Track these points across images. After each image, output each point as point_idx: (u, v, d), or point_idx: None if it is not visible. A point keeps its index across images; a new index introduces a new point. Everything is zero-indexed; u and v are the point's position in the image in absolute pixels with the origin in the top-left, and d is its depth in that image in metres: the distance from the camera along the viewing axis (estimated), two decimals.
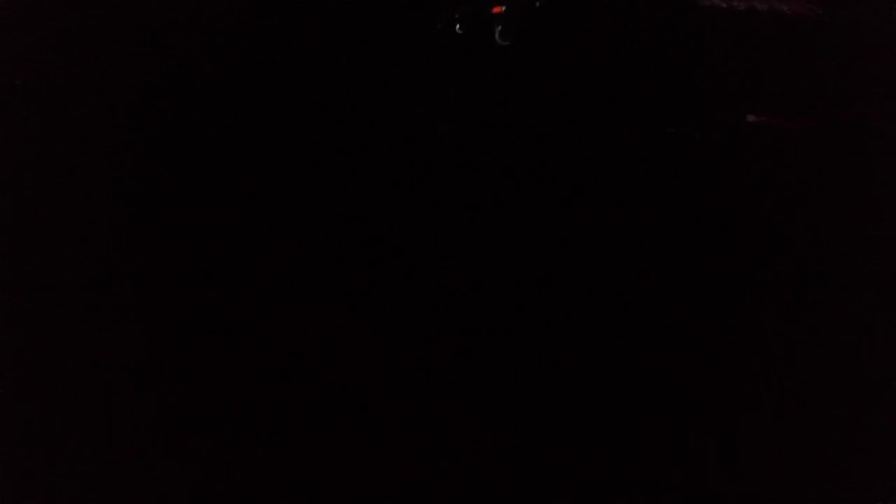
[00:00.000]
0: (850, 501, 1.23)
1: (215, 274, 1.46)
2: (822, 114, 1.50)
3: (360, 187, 1.53)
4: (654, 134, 1.53)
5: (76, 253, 1.47)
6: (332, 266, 1.48)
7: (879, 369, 1.32)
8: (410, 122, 1.59)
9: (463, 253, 1.47)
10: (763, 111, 1.52)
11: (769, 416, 1.31)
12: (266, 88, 1.63)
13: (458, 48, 1.58)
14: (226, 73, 1.63)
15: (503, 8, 1.52)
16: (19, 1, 1.60)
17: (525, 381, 1.36)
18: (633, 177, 1.52)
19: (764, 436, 1.29)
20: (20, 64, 1.56)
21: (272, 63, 1.65)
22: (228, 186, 1.53)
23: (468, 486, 1.25)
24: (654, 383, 1.34)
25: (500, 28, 1.52)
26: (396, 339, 1.40)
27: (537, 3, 1.49)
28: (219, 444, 1.30)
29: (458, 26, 1.52)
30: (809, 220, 1.44)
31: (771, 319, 1.39)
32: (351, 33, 1.64)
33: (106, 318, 1.42)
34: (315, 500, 1.25)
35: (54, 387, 1.35)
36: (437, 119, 1.55)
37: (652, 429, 1.30)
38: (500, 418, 1.32)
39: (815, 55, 1.49)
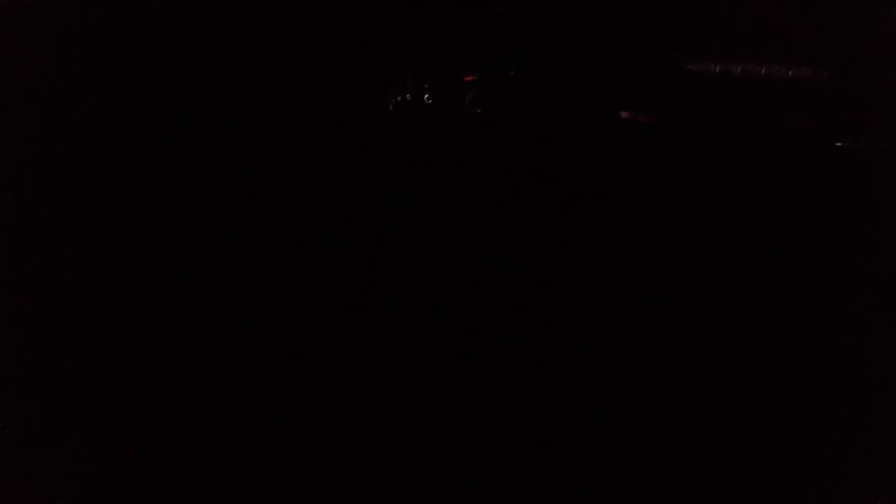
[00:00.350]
0: (850, 501, 1.23)
1: (215, 274, 1.46)
2: (820, 114, 1.50)
3: (360, 187, 1.53)
4: (653, 134, 1.53)
5: (76, 253, 1.47)
6: (332, 266, 1.48)
7: (879, 369, 1.32)
8: (411, 121, 1.59)
9: (463, 253, 1.48)
10: (762, 111, 1.52)
11: (769, 416, 1.31)
12: (266, 88, 1.63)
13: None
14: (226, 73, 1.63)
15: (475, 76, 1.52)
16: (20, 1, 1.60)
17: (525, 382, 1.36)
18: (633, 177, 1.52)
19: (764, 436, 1.29)
20: (20, 64, 1.56)
21: (272, 63, 1.65)
22: (228, 186, 1.53)
23: (468, 486, 1.25)
24: (654, 383, 1.34)
25: (471, 96, 1.52)
26: (396, 339, 1.40)
27: (512, 72, 1.48)
28: (219, 444, 1.30)
29: (426, 95, 1.52)
30: (809, 220, 1.44)
31: (771, 319, 1.39)
32: (351, 33, 1.64)
33: (106, 318, 1.42)
34: (315, 500, 1.25)
35: (54, 387, 1.35)
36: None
37: (652, 429, 1.30)
38: (500, 418, 1.32)
39: (814, 55, 1.49)
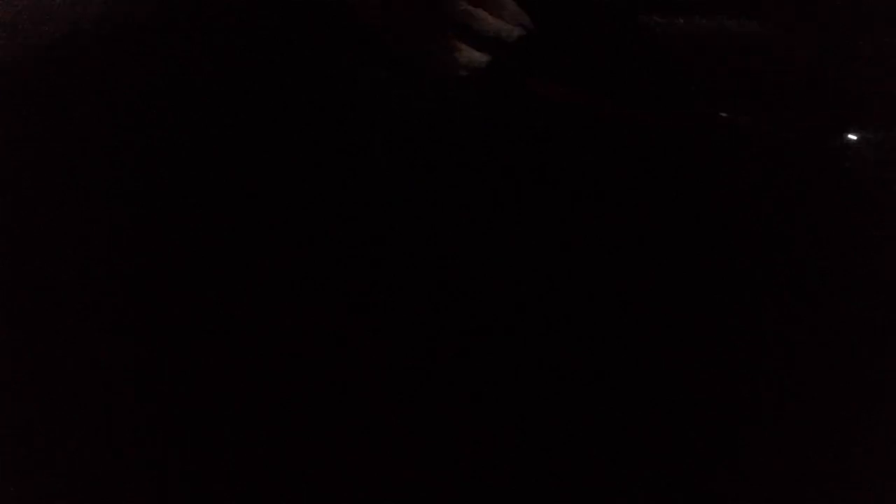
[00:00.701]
0: (850, 501, 1.23)
1: (215, 274, 1.46)
2: (822, 114, 1.50)
3: (360, 187, 1.53)
4: (653, 134, 1.53)
5: (76, 253, 1.47)
6: (332, 266, 1.48)
7: (879, 369, 1.32)
8: (411, 121, 1.59)
9: (463, 253, 1.48)
10: (762, 109, 1.51)
11: (769, 416, 1.31)
12: (266, 88, 1.63)
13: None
14: (226, 72, 1.63)
15: None
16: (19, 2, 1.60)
17: (525, 381, 1.36)
18: (633, 176, 1.52)
19: (764, 436, 1.29)
20: (20, 64, 1.56)
21: (272, 63, 1.65)
22: (228, 186, 1.54)
23: (468, 486, 1.25)
24: (654, 383, 1.34)
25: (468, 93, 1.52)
26: (396, 339, 1.40)
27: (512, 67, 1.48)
28: (219, 444, 1.30)
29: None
30: (809, 220, 1.43)
31: (771, 319, 1.39)
32: (351, 33, 1.64)
33: (106, 318, 1.42)
34: (315, 500, 1.25)
35: (54, 387, 1.35)
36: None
37: (652, 429, 1.30)
38: (501, 418, 1.32)
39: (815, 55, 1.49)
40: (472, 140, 1.59)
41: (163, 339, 1.40)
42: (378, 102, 1.61)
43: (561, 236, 1.50)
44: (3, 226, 1.47)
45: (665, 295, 1.42)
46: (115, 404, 1.33)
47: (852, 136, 1.44)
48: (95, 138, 1.57)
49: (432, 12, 1.44)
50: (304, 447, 1.29)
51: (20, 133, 1.55)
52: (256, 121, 1.60)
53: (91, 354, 1.38)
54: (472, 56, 1.39)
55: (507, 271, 1.46)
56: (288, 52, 1.64)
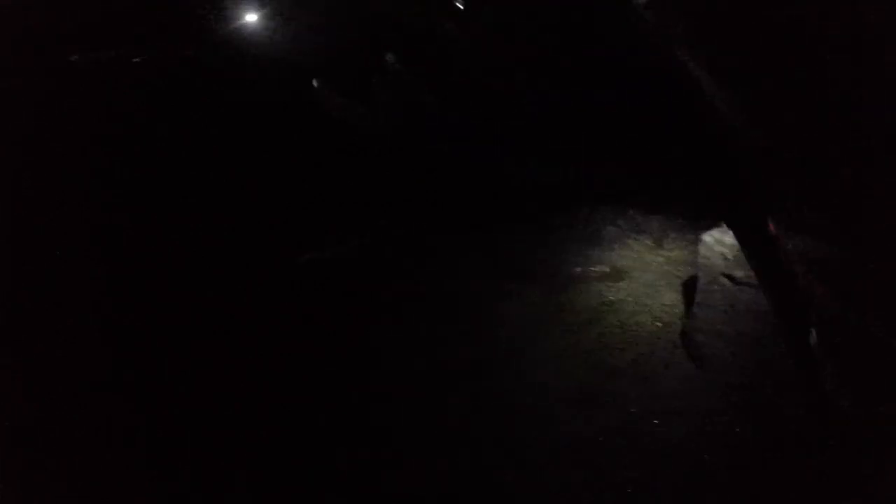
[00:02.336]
0: (852, 501, 1.22)
1: (215, 274, 1.46)
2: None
3: (359, 187, 1.53)
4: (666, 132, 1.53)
5: (76, 253, 1.47)
6: (333, 266, 1.48)
7: (879, 368, 1.32)
8: (410, 121, 1.59)
9: (463, 253, 1.48)
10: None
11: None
12: (267, 89, 1.63)
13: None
14: (226, 73, 1.63)
15: None
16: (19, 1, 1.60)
17: (525, 380, 1.36)
18: (634, 178, 1.52)
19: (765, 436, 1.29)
20: (20, 63, 1.57)
21: (273, 63, 1.65)
22: (228, 186, 1.54)
23: (468, 486, 1.25)
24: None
25: None
26: (397, 339, 1.40)
27: None
28: (219, 444, 1.30)
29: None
30: (811, 218, 1.43)
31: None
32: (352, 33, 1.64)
33: (106, 318, 1.42)
34: (315, 500, 1.25)
35: (54, 387, 1.35)
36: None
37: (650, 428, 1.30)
38: (500, 418, 1.32)
39: None
40: (471, 142, 1.59)
41: (163, 339, 1.40)
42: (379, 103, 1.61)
43: (559, 234, 1.50)
44: (2, 226, 1.47)
45: None
46: (115, 404, 1.33)
47: None
48: (95, 138, 1.57)
49: None
50: (304, 447, 1.29)
51: (20, 133, 1.55)
52: (256, 121, 1.60)
53: (91, 354, 1.38)
54: None
55: (506, 271, 1.46)
56: (290, 53, 1.65)
